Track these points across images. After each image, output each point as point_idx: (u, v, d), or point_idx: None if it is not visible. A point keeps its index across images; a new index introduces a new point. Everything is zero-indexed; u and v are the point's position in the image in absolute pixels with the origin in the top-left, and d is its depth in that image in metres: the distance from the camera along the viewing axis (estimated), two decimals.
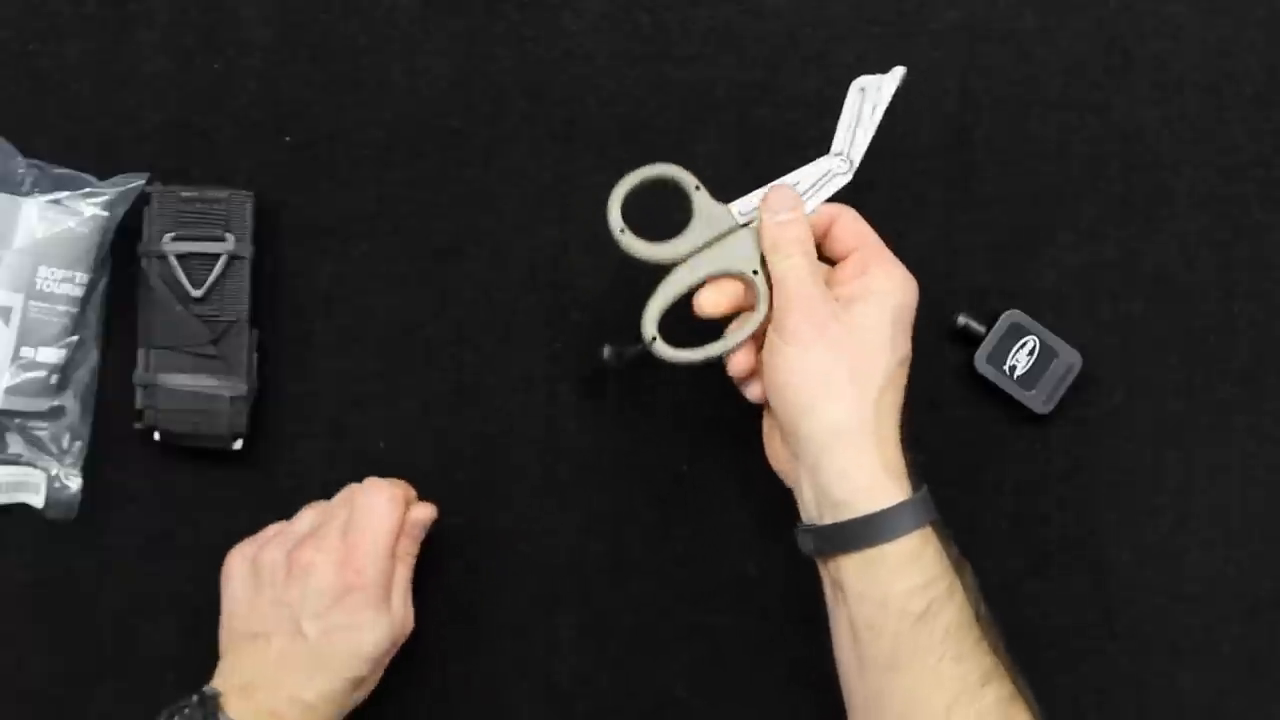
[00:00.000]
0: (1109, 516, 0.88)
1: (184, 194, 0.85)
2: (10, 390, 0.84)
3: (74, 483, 0.87)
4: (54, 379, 0.86)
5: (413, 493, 0.84)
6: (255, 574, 0.81)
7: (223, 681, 0.79)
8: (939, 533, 0.74)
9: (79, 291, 0.85)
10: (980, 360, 0.86)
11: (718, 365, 0.87)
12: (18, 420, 0.86)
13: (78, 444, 0.87)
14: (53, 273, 0.84)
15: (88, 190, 0.85)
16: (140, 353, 0.85)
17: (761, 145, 0.88)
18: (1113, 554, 0.87)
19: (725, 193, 0.87)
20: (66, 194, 0.85)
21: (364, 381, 0.88)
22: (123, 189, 0.85)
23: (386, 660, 0.82)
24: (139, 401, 0.85)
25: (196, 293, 0.84)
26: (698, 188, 0.78)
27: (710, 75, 0.88)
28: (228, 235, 0.85)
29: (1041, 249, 0.88)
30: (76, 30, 0.89)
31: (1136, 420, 0.87)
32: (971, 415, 0.87)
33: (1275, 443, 0.87)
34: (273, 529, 0.84)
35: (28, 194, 0.85)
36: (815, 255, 0.77)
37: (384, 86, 0.89)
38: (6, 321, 0.84)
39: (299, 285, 0.88)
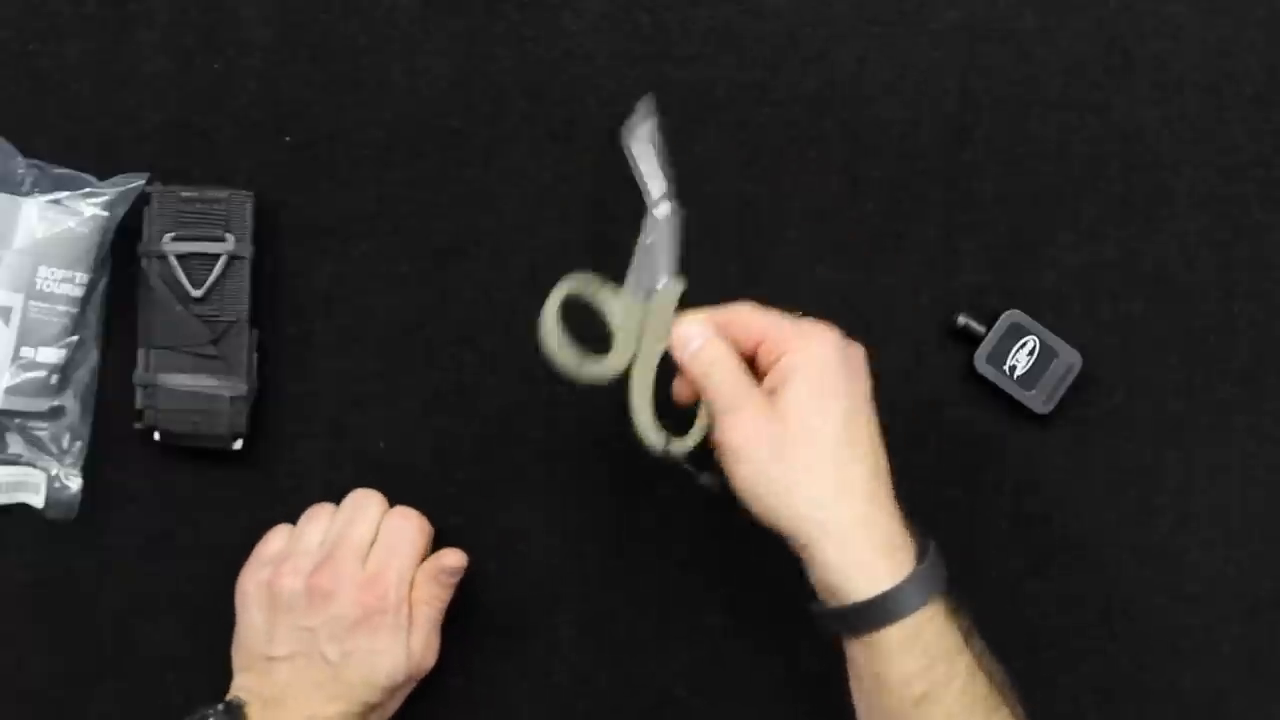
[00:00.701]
0: (1109, 516, 0.88)
1: (184, 194, 0.85)
2: (10, 390, 0.84)
3: (74, 483, 0.87)
4: (54, 379, 0.86)
5: (430, 529, 0.85)
6: (273, 600, 0.81)
7: (244, 695, 0.80)
8: (946, 604, 0.72)
9: (79, 291, 0.85)
10: (980, 360, 0.86)
11: None
12: (18, 420, 0.86)
13: (78, 444, 0.87)
14: (53, 273, 0.84)
15: (88, 190, 0.85)
16: (140, 353, 0.85)
17: (761, 145, 0.88)
18: (1113, 554, 0.87)
19: (727, 190, 0.87)
20: (66, 194, 0.85)
21: (364, 381, 0.88)
22: (123, 189, 0.85)
23: (403, 693, 0.83)
24: (139, 401, 0.85)
25: (196, 293, 0.84)
26: (598, 292, 0.79)
27: (710, 75, 0.88)
28: (228, 235, 0.85)
29: (1041, 249, 0.88)
30: (76, 30, 0.89)
31: (1136, 420, 0.87)
32: (971, 415, 0.87)
33: (1275, 443, 0.87)
34: (277, 538, 0.84)
35: (28, 194, 0.85)
36: (737, 365, 0.75)
37: (384, 86, 0.89)
38: (6, 321, 0.84)
39: (299, 285, 0.88)
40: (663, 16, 0.89)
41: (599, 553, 0.88)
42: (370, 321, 0.88)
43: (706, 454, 0.77)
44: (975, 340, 0.86)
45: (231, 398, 0.85)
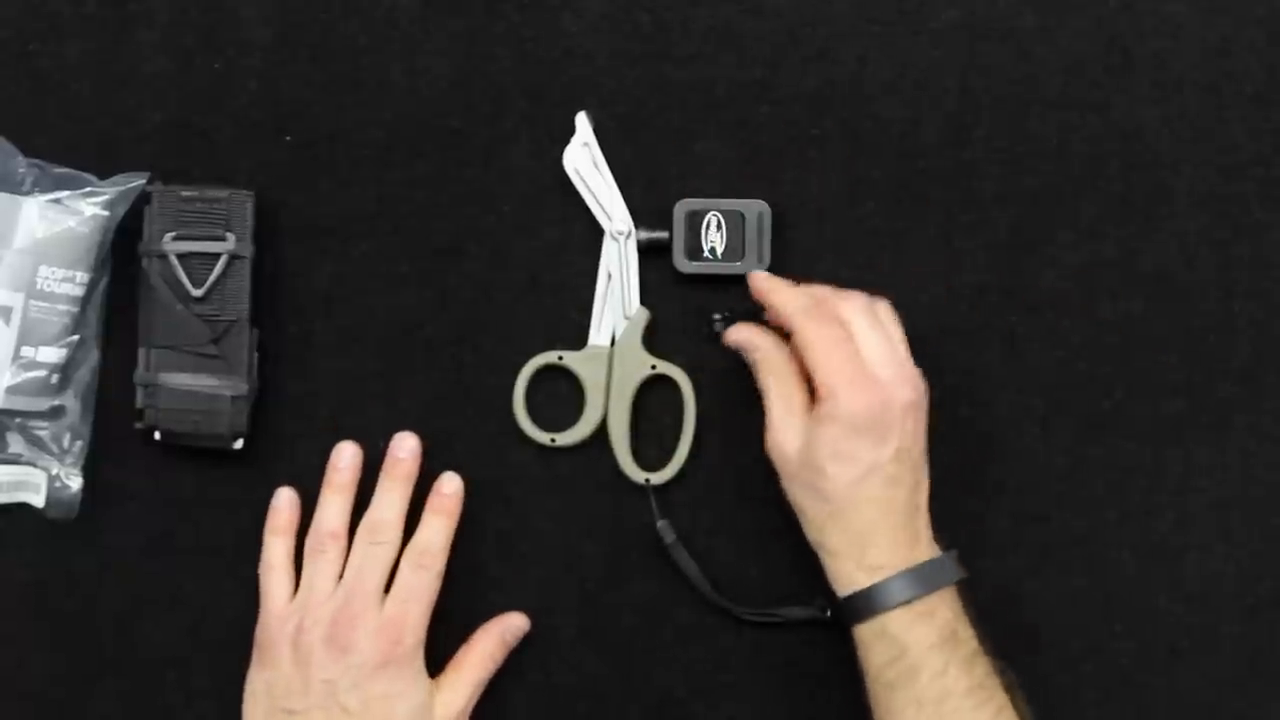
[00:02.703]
0: (1109, 516, 0.87)
1: (184, 193, 0.85)
2: (11, 390, 0.84)
3: (74, 482, 0.87)
4: (54, 378, 0.86)
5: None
6: (295, 655, 0.81)
7: None
8: (925, 606, 0.79)
9: (79, 291, 0.85)
10: (680, 261, 0.86)
11: (726, 362, 0.88)
12: (18, 420, 0.86)
13: (78, 443, 0.87)
14: (53, 272, 0.84)
15: (88, 190, 0.85)
16: (141, 352, 0.85)
17: (761, 145, 0.88)
18: (1113, 554, 0.87)
19: (727, 190, 0.87)
20: (67, 193, 0.85)
21: (364, 381, 0.88)
22: (123, 189, 0.85)
23: None
24: (139, 401, 0.85)
25: (197, 292, 0.84)
26: (560, 358, 0.87)
27: (710, 75, 0.88)
28: (228, 235, 0.85)
29: (1041, 249, 0.88)
30: (76, 30, 0.89)
31: (1136, 420, 0.87)
32: (972, 414, 0.87)
33: (1275, 442, 0.87)
34: (280, 585, 0.83)
35: (28, 193, 0.85)
36: (792, 377, 0.81)
37: (384, 86, 0.89)
38: (7, 321, 0.84)
39: (299, 285, 0.88)
40: (663, 16, 0.89)
41: (599, 553, 0.88)
42: (370, 321, 0.88)
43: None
44: (664, 249, 0.86)
45: (232, 397, 0.85)
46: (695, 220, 0.86)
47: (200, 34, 0.89)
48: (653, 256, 0.87)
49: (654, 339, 0.88)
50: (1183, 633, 0.87)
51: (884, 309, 0.82)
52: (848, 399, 0.78)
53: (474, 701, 0.84)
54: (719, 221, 0.85)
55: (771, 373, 0.82)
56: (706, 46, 0.88)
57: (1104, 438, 0.87)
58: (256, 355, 0.86)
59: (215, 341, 0.85)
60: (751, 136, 0.88)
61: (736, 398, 0.87)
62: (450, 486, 0.85)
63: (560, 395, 0.88)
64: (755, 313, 0.84)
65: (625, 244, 0.87)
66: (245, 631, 0.84)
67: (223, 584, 0.86)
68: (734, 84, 0.88)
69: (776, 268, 0.86)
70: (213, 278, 0.84)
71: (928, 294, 0.88)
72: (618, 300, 0.87)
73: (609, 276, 0.87)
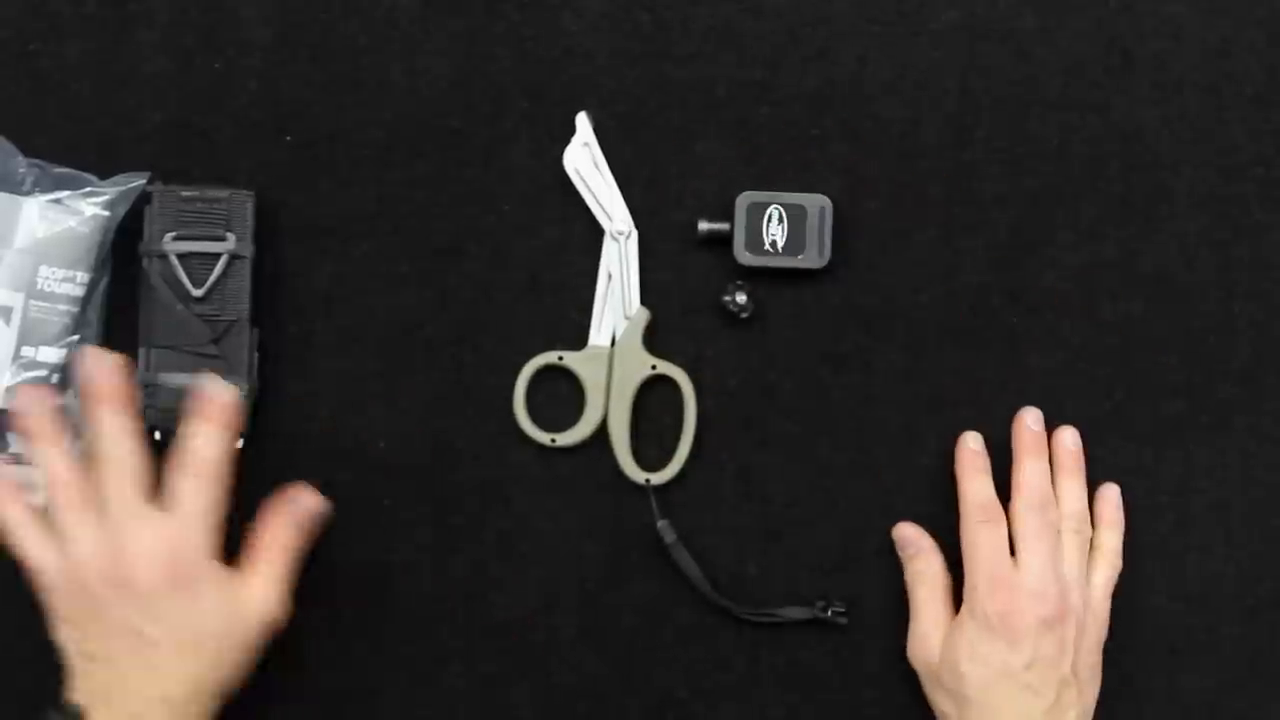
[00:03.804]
0: None
1: (184, 194, 0.85)
2: (11, 390, 0.84)
3: None
4: (55, 378, 0.86)
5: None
6: (81, 601, 0.78)
7: (82, 694, 0.78)
8: None
9: (80, 291, 0.85)
10: (741, 252, 0.86)
11: (726, 362, 0.88)
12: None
13: (79, 443, 0.87)
14: (54, 272, 0.84)
15: (88, 190, 0.85)
16: (141, 352, 0.85)
17: (761, 145, 0.88)
18: None
19: (726, 190, 0.87)
20: (67, 193, 0.85)
21: (364, 381, 0.88)
22: (123, 188, 0.85)
23: (249, 642, 0.80)
24: (139, 401, 0.85)
25: (197, 292, 0.84)
26: (561, 358, 0.86)
27: (710, 75, 0.88)
28: (229, 235, 0.85)
29: (1041, 249, 0.88)
30: (76, 30, 0.89)
31: (1136, 420, 0.87)
32: (974, 414, 0.87)
33: (1275, 443, 0.87)
34: (42, 550, 0.78)
35: (28, 193, 0.85)
36: (941, 587, 0.85)
37: (384, 86, 0.89)
38: (7, 321, 0.84)
39: (299, 285, 0.88)
40: (663, 16, 0.89)
41: (599, 553, 0.88)
42: (370, 321, 0.88)
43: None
44: (725, 240, 0.86)
45: None
46: (757, 213, 0.86)
47: (200, 34, 0.89)
48: (715, 247, 0.87)
49: (654, 339, 0.88)
50: (1183, 633, 0.87)
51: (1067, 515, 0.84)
52: (983, 597, 0.81)
53: (285, 594, 0.81)
54: (781, 215, 0.85)
55: (925, 584, 0.84)
56: (706, 46, 0.88)
57: (1104, 438, 0.87)
58: (257, 355, 0.86)
59: (215, 341, 0.85)
60: (751, 136, 0.88)
61: (737, 398, 0.88)
62: (217, 392, 0.80)
63: (560, 395, 0.88)
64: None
65: (625, 244, 0.87)
66: None
67: None
68: (734, 84, 0.88)
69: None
70: (213, 278, 0.84)
71: (928, 294, 0.88)
72: (618, 300, 0.87)
73: (609, 276, 0.87)
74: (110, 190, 0.85)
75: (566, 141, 0.88)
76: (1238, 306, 0.87)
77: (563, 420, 0.87)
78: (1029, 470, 0.84)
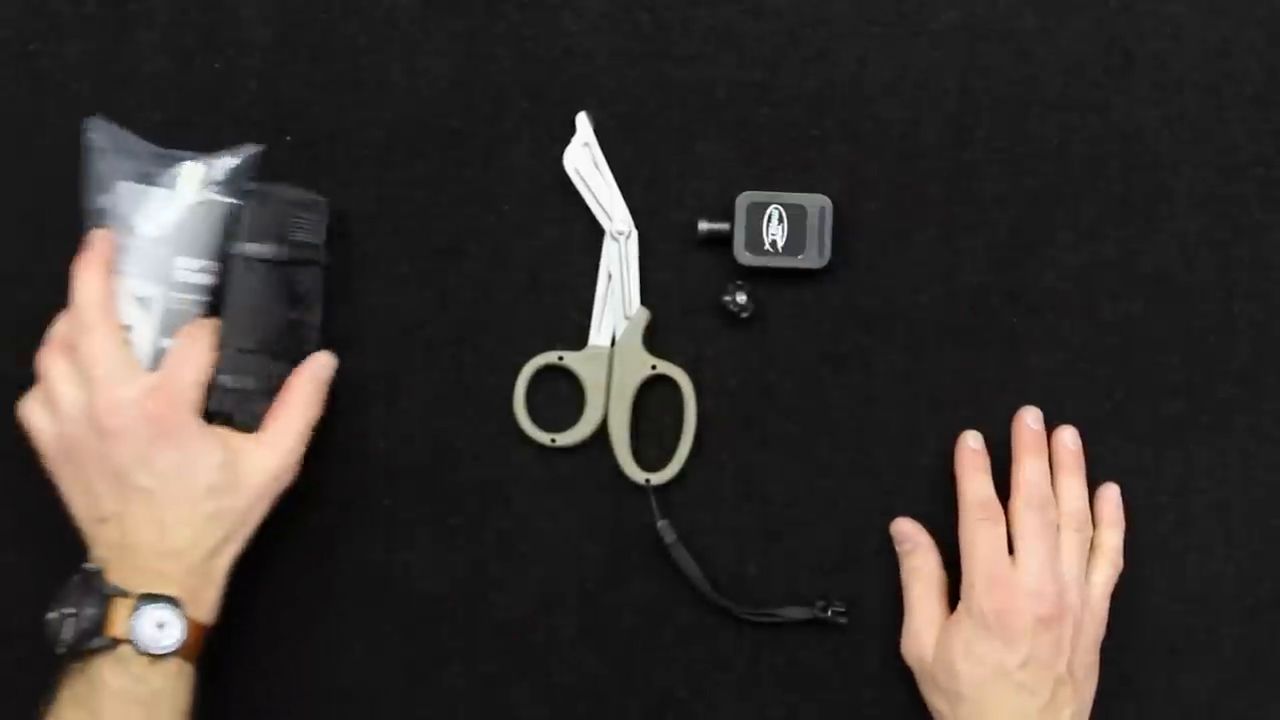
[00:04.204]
0: None
1: (265, 194, 0.84)
2: None
3: None
4: None
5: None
6: (75, 463, 0.80)
7: (97, 556, 0.79)
8: None
9: (209, 280, 0.85)
10: (741, 252, 0.86)
11: (726, 362, 0.88)
12: None
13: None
14: (188, 263, 0.84)
15: (212, 180, 0.84)
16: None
17: (761, 145, 0.88)
18: None
19: (726, 190, 0.87)
20: (199, 184, 0.84)
21: (364, 381, 0.88)
22: (234, 165, 0.84)
23: (262, 496, 0.81)
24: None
25: (279, 296, 0.84)
26: (561, 358, 0.86)
27: (710, 75, 0.88)
28: (307, 239, 0.85)
29: (1041, 249, 0.88)
30: (76, 30, 0.89)
31: (1136, 420, 0.87)
32: (973, 414, 0.87)
33: (1275, 443, 0.87)
34: (36, 409, 0.81)
35: (165, 185, 0.84)
36: (936, 582, 0.85)
37: (384, 86, 0.89)
38: (147, 312, 0.83)
39: None
40: (663, 16, 0.89)
41: (599, 553, 0.88)
42: (370, 321, 0.88)
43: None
44: (725, 240, 0.86)
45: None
46: (757, 213, 0.86)
47: (200, 34, 0.89)
48: (715, 247, 0.87)
49: (654, 339, 0.88)
50: (1183, 633, 0.87)
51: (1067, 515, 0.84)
52: (980, 595, 0.81)
53: (298, 454, 0.83)
54: (781, 215, 0.85)
55: (920, 580, 0.84)
56: (706, 46, 0.88)
57: (1104, 438, 0.87)
58: None
59: (288, 344, 0.85)
60: (751, 136, 0.88)
61: (737, 398, 0.88)
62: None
63: (560, 395, 0.88)
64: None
65: (625, 244, 0.87)
66: (246, 630, 0.84)
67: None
68: (734, 84, 0.88)
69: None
70: (291, 281, 0.84)
71: (928, 294, 0.88)
72: (618, 300, 0.87)
73: (609, 276, 0.87)
74: (231, 180, 0.84)
75: (566, 141, 0.88)
76: (1238, 306, 0.87)
77: (563, 420, 0.87)
78: (1029, 469, 0.84)
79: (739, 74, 0.88)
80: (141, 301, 0.83)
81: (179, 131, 0.88)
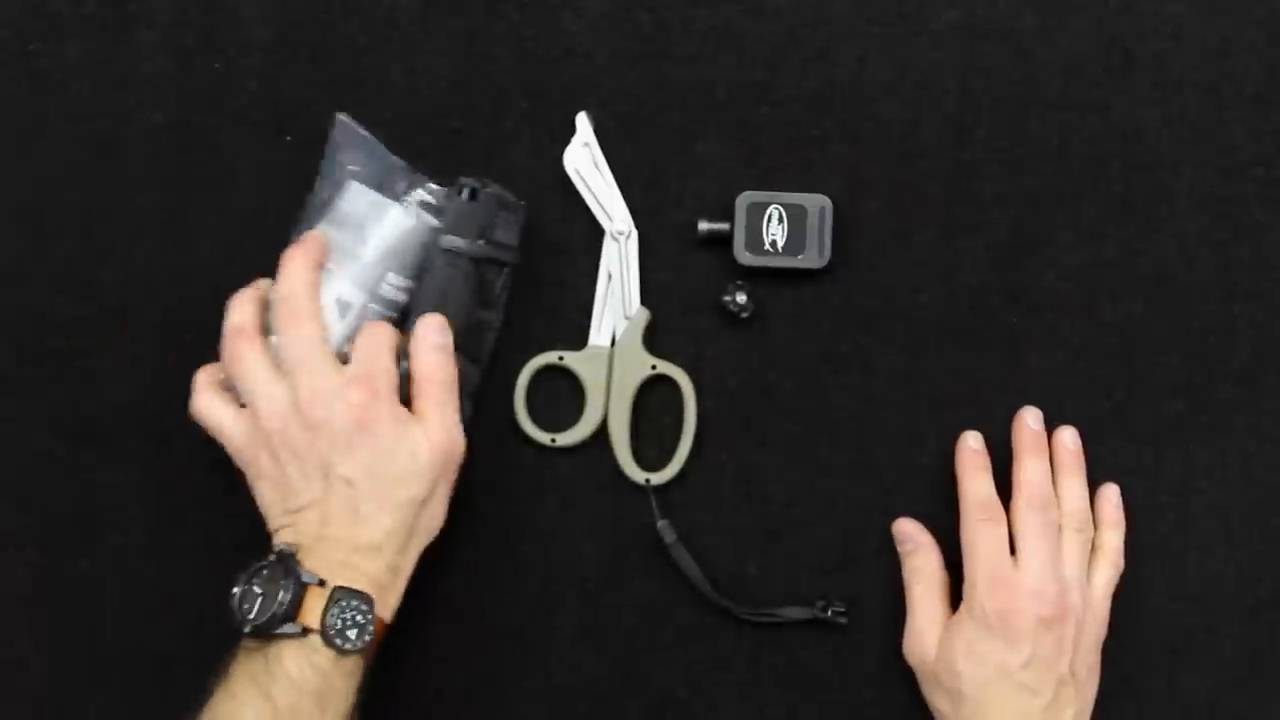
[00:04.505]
0: None
1: (486, 191, 0.84)
2: None
3: None
4: None
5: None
6: (272, 453, 0.79)
7: (289, 543, 0.78)
8: None
9: (405, 299, 0.85)
10: (741, 252, 0.86)
11: (726, 362, 0.88)
12: None
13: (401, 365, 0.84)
14: (396, 279, 0.84)
15: (423, 199, 0.85)
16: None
17: (761, 145, 0.88)
18: None
19: (726, 190, 0.87)
20: (423, 206, 0.84)
21: None
22: (447, 192, 0.85)
23: (441, 479, 0.81)
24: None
25: (474, 293, 0.85)
26: (561, 358, 0.86)
27: (710, 75, 0.88)
28: (504, 239, 0.85)
29: (1041, 249, 0.88)
30: (76, 30, 0.89)
31: (1136, 420, 0.87)
32: (973, 414, 0.87)
33: (1275, 443, 0.87)
34: (219, 407, 0.81)
35: (391, 196, 0.84)
36: (938, 583, 0.85)
37: (384, 86, 0.89)
38: (342, 315, 0.83)
39: None
40: (663, 16, 0.89)
41: (599, 553, 0.88)
42: None
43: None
44: (725, 240, 0.86)
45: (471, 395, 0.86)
46: (757, 213, 0.86)
47: (200, 34, 0.89)
48: (715, 248, 0.87)
49: (654, 339, 0.88)
50: (1183, 633, 0.87)
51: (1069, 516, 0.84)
52: (982, 596, 0.81)
53: (454, 416, 0.82)
54: (781, 215, 0.85)
55: (921, 580, 0.84)
56: (706, 46, 0.88)
57: (1104, 438, 0.87)
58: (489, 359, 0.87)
59: (473, 341, 0.85)
60: (751, 136, 0.88)
61: (737, 398, 0.88)
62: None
63: (560, 395, 0.88)
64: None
65: (625, 244, 0.87)
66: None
67: (223, 584, 0.86)
68: (734, 84, 0.88)
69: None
70: (498, 286, 0.85)
71: (928, 294, 0.88)
72: (618, 300, 0.87)
73: (609, 276, 0.87)
74: (439, 197, 0.84)
75: (566, 141, 0.88)
76: (1238, 306, 0.87)
77: (563, 420, 0.87)
78: (1030, 469, 0.84)
79: (739, 74, 0.88)
80: (342, 305, 0.83)
81: (179, 131, 0.88)
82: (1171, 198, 0.88)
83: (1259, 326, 0.88)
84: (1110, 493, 0.86)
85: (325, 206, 0.84)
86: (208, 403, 0.82)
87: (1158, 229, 0.88)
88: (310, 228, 0.84)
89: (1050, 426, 0.86)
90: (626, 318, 0.87)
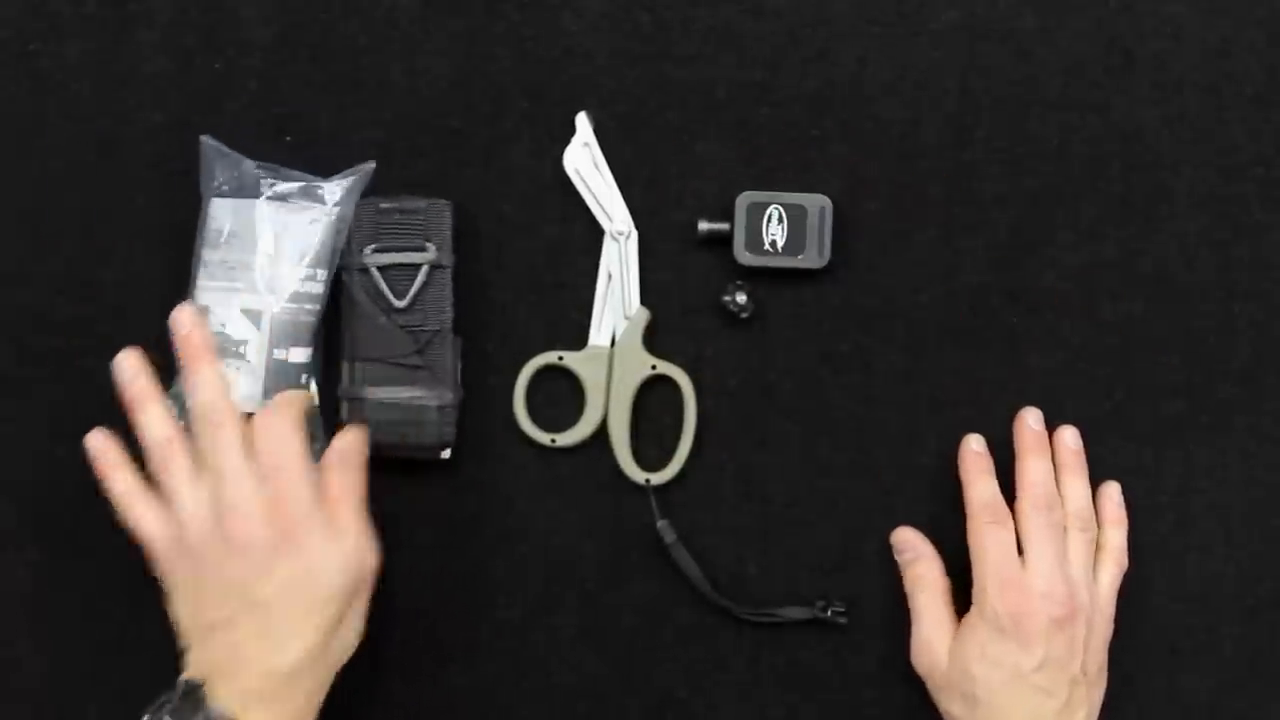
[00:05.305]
0: None
1: (382, 205, 0.85)
2: (269, 393, 0.84)
3: None
4: (304, 378, 0.85)
5: (309, 400, 0.83)
6: (195, 566, 0.77)
7: (198, 670, 0.77)
8: None
9: (321, 289, 0.85)
10: (741, 252, 0.86)
11: (726, 362, 0.88)
12: None
13: (316, 445, 0.84)
14: (297, 272, 0.84)
15: (316, 188, 0.85)
16: (345, 366, 0.85)
17: (761, 145, 0.88)
18: None
19: (726, 190, 0.87)
20: (297, 194, 0.85)
21: None
22: (348, 182, 0.85)
23: (359, 600, 0.79)
24: (343, 415, 0.85)
25: (400, 304, 0.84)
26: (561, 358, 0.86)
27: (710, 75, 0.88)
28: (428, 245, 0.85)
29: (1041, 249, 0.88)
30: (76, 30, 0.89)
31: (1136, 420, 0.87)
32: (972, 414, 0.87)
33: (1275, 443, 0.87)
34: (150, 514, 0.78)
35: (262, 197, 0.85)
36: (941, 592, 0.84)
37: (384, 86, 0.89)
38: (258, 325, 0.83)
39: None
40: (663, 16, 0.89)
41: (599, 553, 0.88)
42: None
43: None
44: (725, 240, 0.86)
45: (439, 407, 0.85)
46: (757, 213, 0.86)
47: (200, 34, 0.89)
48: (715, 247, 0.87)
49: (654, 339, 0.88)
50: (1183, 633, 0.87)
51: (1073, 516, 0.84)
52: (993, 599, 0.80)
53: (367, 533, 0.80)
54: (781, 215, 0.85)
55: (925, 589, 0.84)
56: (706, 46, 0.88)
57: (1104, 438, 0.87)
58: (460, 364, 0.86)
59: (419, 352, 0.85)
60: (751, 136, 0.88)
61: (737, 398, 0.88)
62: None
63: (560, 395, 0.88)
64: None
65: (625, 244, 0.87)
66: None
67: None
68: (734, 84, 0.88)
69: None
70: (415, 288, 0.84)
71: (928, 294, 0.88)
72: (618, 300, 0.87)
73: (609, 276, 0.87)
74: (338, 188, 0.85)
75: (566, 141, 0.88)
76: (1238, 306, 0.87)
77: (563, 420, 0.87)
78: (1033, 470, 0.84)
79: (739, 74, 0.88)
80: (251, 315, 0.83)
81: (179, 131, 0.88)
82: (1171, 198, 0.88)
83: (1259, 326, 0.87)
84: (1112, 491, 0.86)
85: (205, 230, 0.84)
86: (138, 512, 0.79)
87: (1158, 229, 0.88)
88: (201, 262, 0.84)
89: (1051, 426, 0.86)
90: (626, 318, 0.87)
